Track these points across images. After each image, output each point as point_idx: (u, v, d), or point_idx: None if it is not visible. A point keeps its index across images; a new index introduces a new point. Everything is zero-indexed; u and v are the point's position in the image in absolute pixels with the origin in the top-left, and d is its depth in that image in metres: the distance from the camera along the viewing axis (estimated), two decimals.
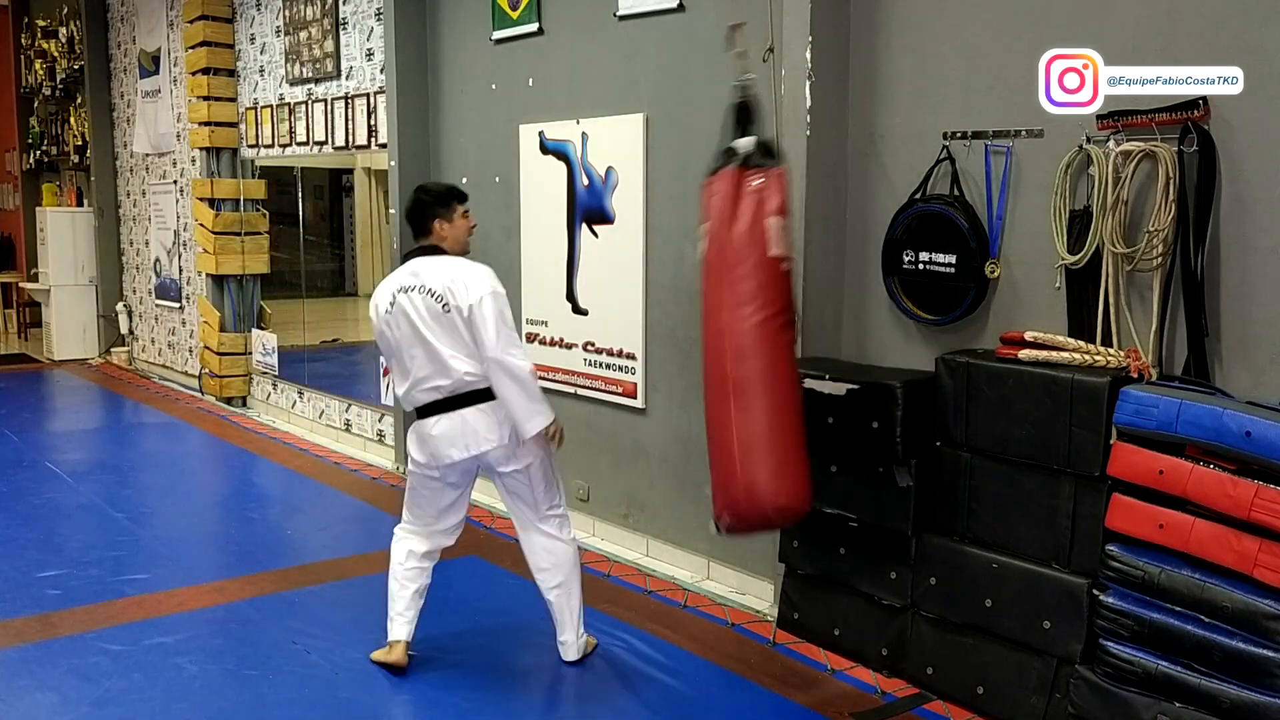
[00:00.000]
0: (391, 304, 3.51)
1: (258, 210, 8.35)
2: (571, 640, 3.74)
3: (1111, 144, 3.21)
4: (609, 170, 4.91)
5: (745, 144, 3.29)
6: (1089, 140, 3.26)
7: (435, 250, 3.60)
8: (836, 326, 4.09)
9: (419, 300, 3.47)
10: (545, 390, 5.35)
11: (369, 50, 6.59)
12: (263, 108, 7.85)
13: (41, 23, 11.54)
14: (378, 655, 3.72)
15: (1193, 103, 3.02)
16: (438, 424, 3.51)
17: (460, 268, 3.52)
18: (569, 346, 5.26)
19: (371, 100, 6.57)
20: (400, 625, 3.70)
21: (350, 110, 6.79)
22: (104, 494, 5.94)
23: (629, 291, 4.85)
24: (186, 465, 6.93)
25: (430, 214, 3.62)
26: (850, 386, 3.58)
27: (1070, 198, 3.33)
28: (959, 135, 3.65)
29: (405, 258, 3.67)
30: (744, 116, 3.33)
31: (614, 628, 4.09)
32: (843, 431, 3.62)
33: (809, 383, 3.68)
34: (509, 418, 3.47)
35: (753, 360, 3.20)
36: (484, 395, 3.49)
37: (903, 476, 3.53)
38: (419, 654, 3.74)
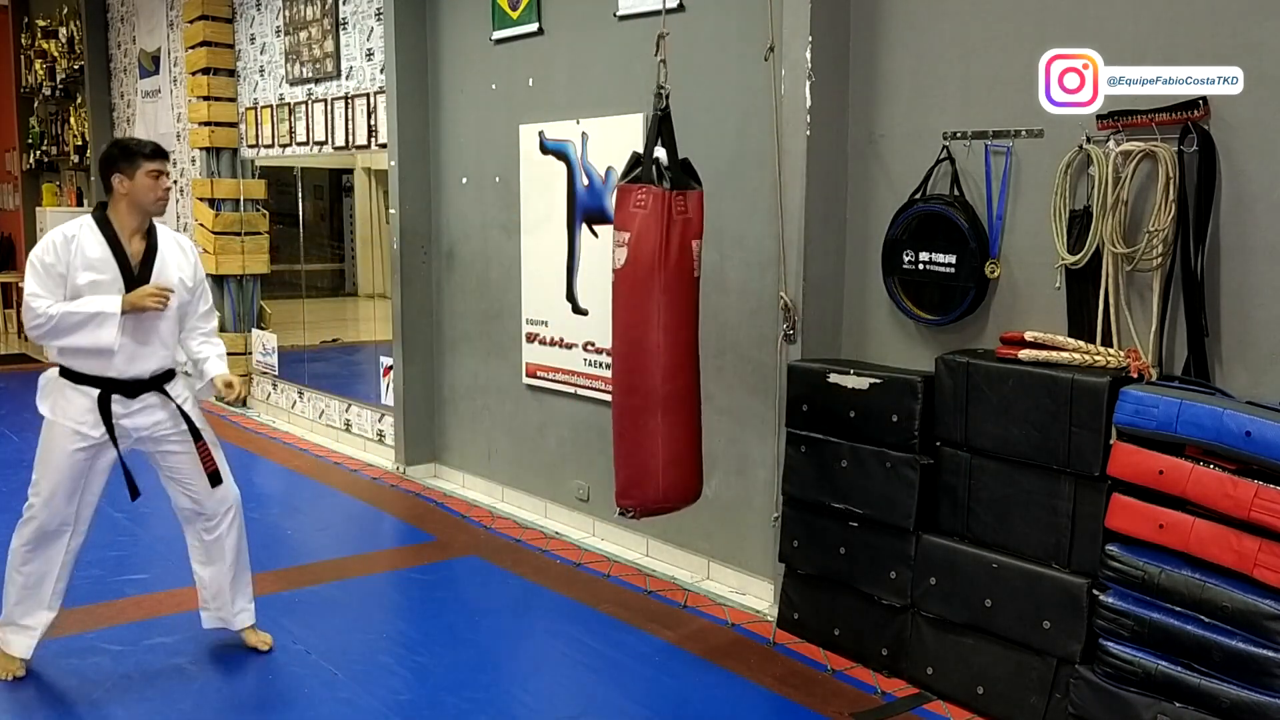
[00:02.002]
0: None
1: (258, 210, 8.35)
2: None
3: (1111, 144, 3.20)
4: (609, 170, 4.91)
5: (670, 161, 3.53)
6: (1089, 140, 3.25)
7: (99, 207, 3.50)
8: (836, 326, 4.09)
9: None
10: (545, 390, 5.39)
11: (369, 50, 6.59)
12: (263, 108, 7.85)
13: (41, 23, 11.53)
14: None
15: (1193, 103, 3.02)
16: None
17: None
18: (569, 346, 5.26)
19: (371, 100, 6.57)
20: None
21: (350, 110, 6.79)
22: (104, 494, 5.92)
23: None
24: None
25: (110, 168, 3.46)
26: (874, 380, 3.65)
27: (1070, 198, 3.33)
28: (959, 135, 3.65)
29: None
30: (668, 129, 3.57)
31: (614, 628, 4.09)
32: (862, 424, 3.68)
33: (833, 377, 3.76)
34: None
35: (682, 377, 3.58)
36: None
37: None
38: (419, 653, 3.73)
